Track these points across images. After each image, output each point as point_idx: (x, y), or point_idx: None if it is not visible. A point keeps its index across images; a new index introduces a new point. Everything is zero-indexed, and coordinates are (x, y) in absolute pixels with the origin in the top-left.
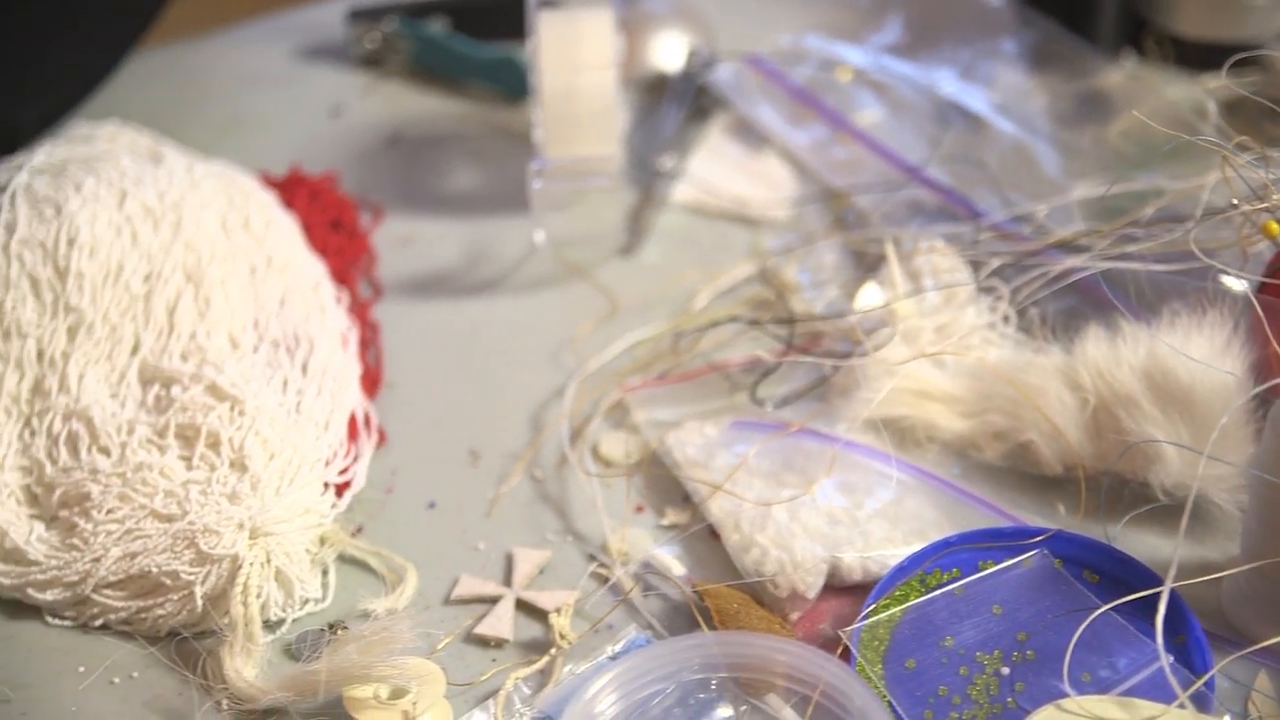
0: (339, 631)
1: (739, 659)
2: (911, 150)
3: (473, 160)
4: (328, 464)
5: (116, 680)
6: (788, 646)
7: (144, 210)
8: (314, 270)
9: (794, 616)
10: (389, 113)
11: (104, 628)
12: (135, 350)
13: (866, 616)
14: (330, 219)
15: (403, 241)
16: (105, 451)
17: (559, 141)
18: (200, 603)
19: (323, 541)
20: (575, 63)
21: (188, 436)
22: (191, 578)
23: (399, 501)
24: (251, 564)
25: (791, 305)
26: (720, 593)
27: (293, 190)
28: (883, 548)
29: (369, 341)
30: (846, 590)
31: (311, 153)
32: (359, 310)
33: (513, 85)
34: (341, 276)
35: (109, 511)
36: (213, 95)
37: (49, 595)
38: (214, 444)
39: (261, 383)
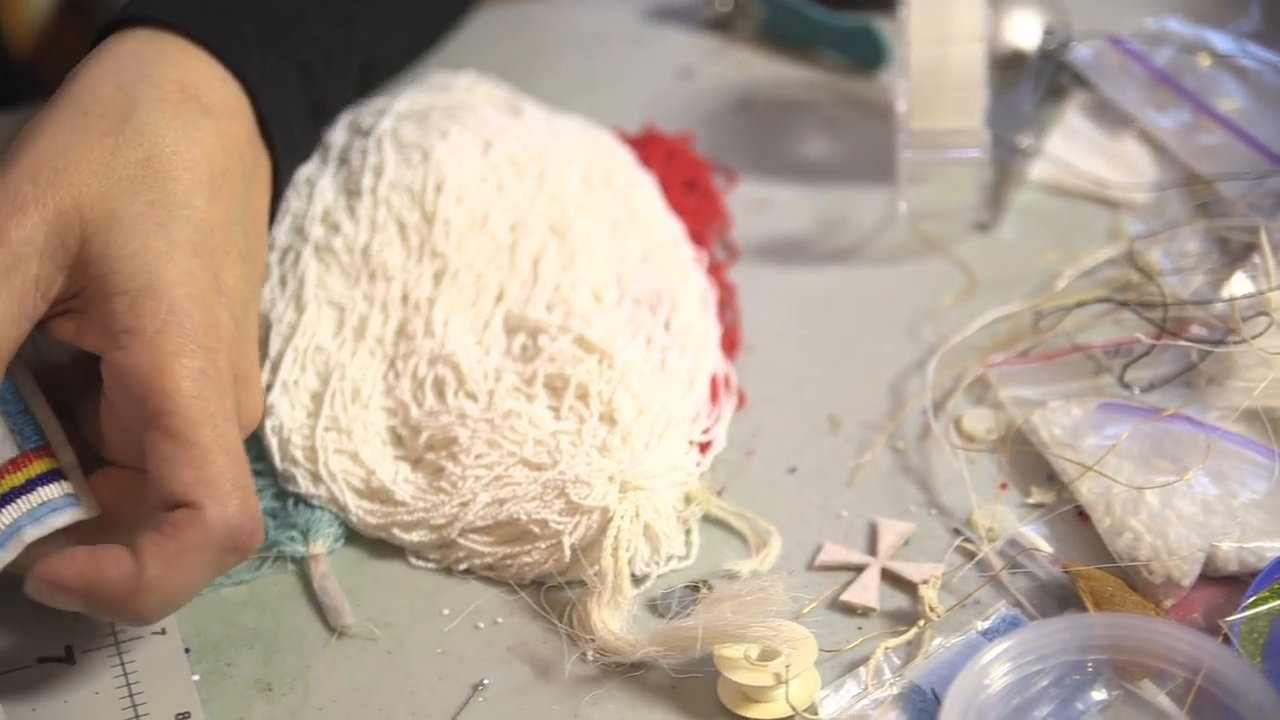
0: (705, 590)
1: (1123, 641)
2: (1277, 140)
3: (825, 128)
4: (692, 423)
5: (481, 625)
6: (1180, 632)
7: (509, 160)
8: (673, 229)
9: (1167, 604)
10: (739, 77)
11: (467, 572)
12: (500, 299)
13: (1247, 608)
14: (685, 179)
15: (756, 206)
16: (473, 397)
17: (923, 113)
18: (569, 552)
19: (688, 500)
20: (945, 35)
21: (556, 387)
22: (561, 527)
23: (759, 464)
24: (622, 517)
25: (1161, 289)
26: (1094, 575)
27: (649, 148)
28: (1260, 539)
29: (726, 303)
30: (1218, 581)
31: (661, 113)
32: (715, 272)
33: (866, 55)
34: (697, 238)
35: (477, 456)
36: (563, 52)
37: (415, 536)
38: (583, 396)
39: (627, 338)
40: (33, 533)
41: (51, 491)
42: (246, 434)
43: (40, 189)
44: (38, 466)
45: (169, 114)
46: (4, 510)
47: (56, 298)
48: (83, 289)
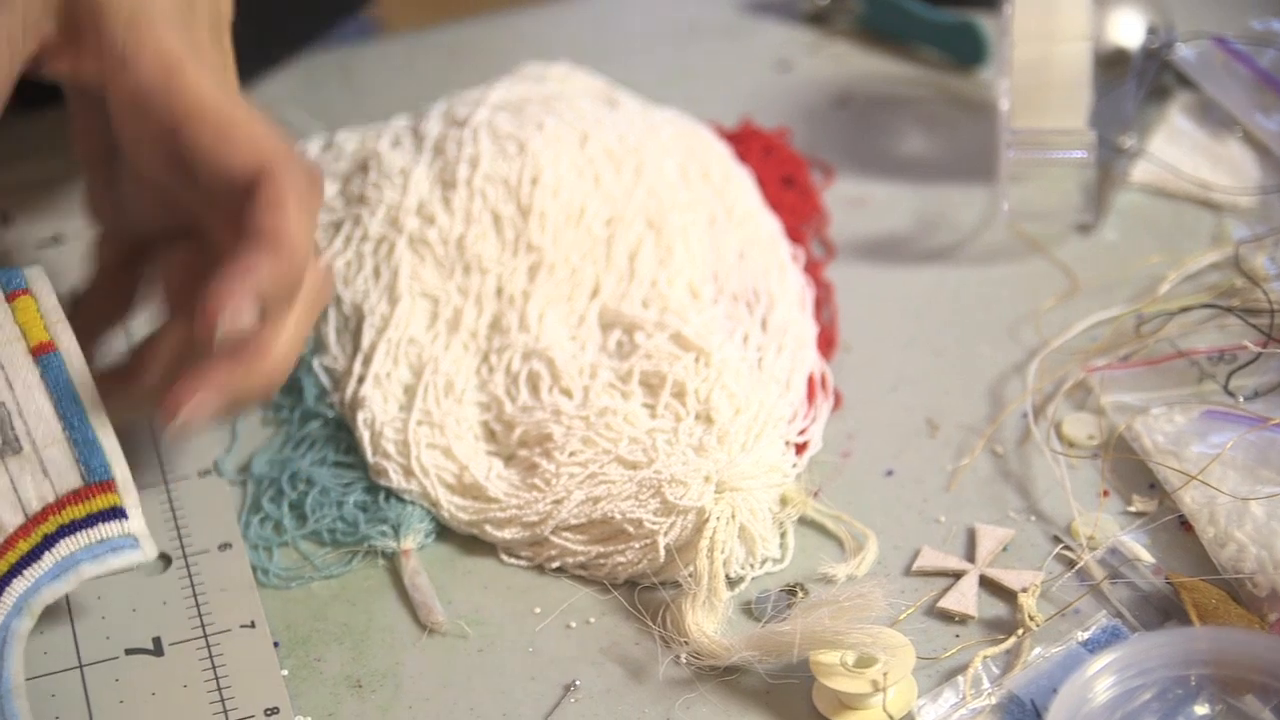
0: (800, 594)
1: (1226, 655)
2: None
3: (924, 125)
4: (789, 423)
5: (573, 624)
6: None
7: (605, 153)
8: (771, 225)
9: (1272, 618)
10: (837, 72)
11: (559, 570)
12: (595, 294)
13: None
14: (783, 175)
15: (854, 203)
16: (568, 393)
17: (1026, 112)
18: (663, 553)
19: (784, 502)
20: (1050, 32)
21: (652, 385)
22: (656, 527)
23: (856, 466)
24: (718, 518)
25: (1268, 295)
26: (1197, 586)
27: (746, 143)
28: None
29: (823, 302)
30: None
31: (758, 107)
32: (812, 270)
33: (967, 51)
34: (794, 234)
35: (572, 454)
36: (657, 44)
37: (507, 533)
38: (679, 394)
39: (723, 335)
40: (90, 570)
41: (112, 530)
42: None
43: None
44: (101, 501)
45: None
46: (63, 541)
47: (46, 37)
48: (73, 24)
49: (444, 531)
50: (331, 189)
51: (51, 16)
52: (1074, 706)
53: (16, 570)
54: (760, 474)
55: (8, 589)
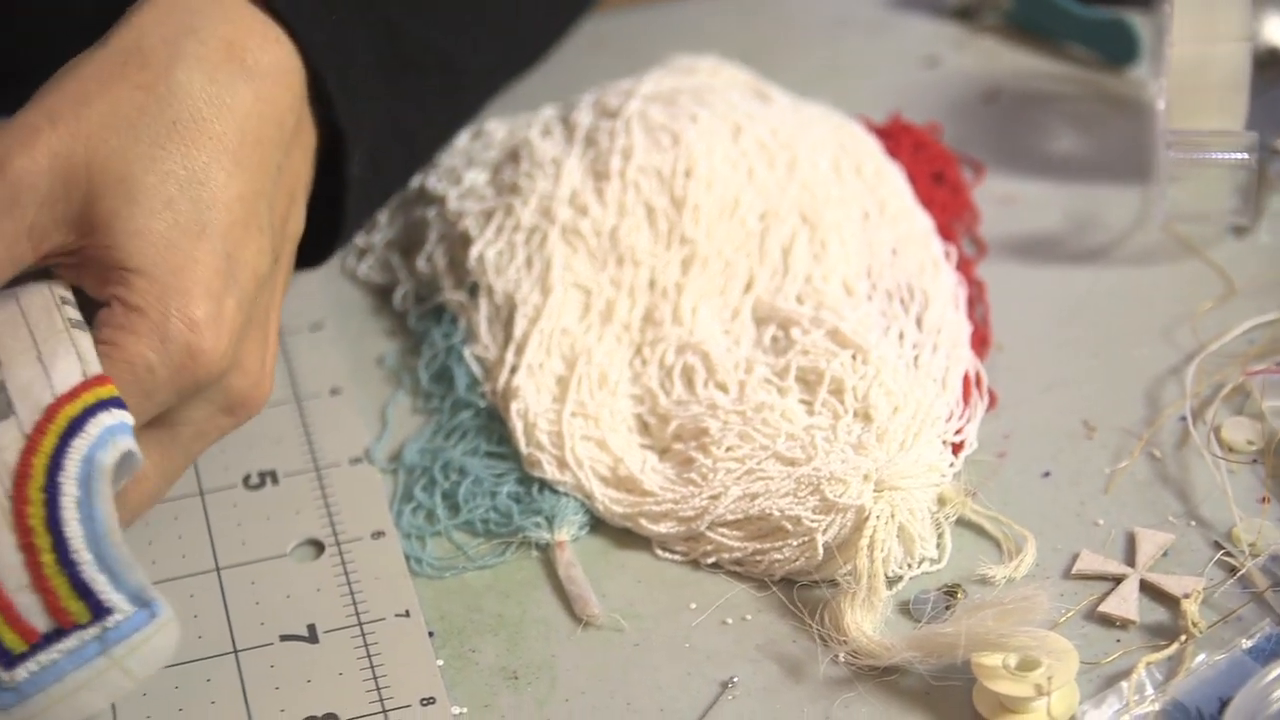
0: (959, 595)
1: None
2: None
3: (1075, 123)
4: (946, 422)
5: (729, 620)
6: None
7: (759, 146)
8: (923, 222)
9: None
10: (985, 68)
11: (714, 566)
12: (749, 288)
13: None
14: (933, 171)
15: (1003, 201)
16: (723, 388)
17: (1183, 113)
18: (822, 551)
19: (942, 502)
20: (1209, 33)
21: (809, 381)
22: (814, 524)
23: (1012, 467)
24: (879, 517)
25: None
26: None
27: (896, 139)
28: None
29: (975, 300)
30: None
31: (905, 103)
32: (964, 267)
33: (1119, 49)
34: (945, 232)
35: (729, 449)
36: (804, 38)
37: (662, 527)
38: (837, 391)
39: (879, 333)
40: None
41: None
42: (235, 422)
43: (57, 132)
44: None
45: (207, 75)
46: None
47: (51, 251)
48: (82, 249)
49: (597, 524)
50: (481, 177)
51: (59, 229)
52: (1250, 714)
53: (94, 410)
54: (919, 473)
55: (92, 420)
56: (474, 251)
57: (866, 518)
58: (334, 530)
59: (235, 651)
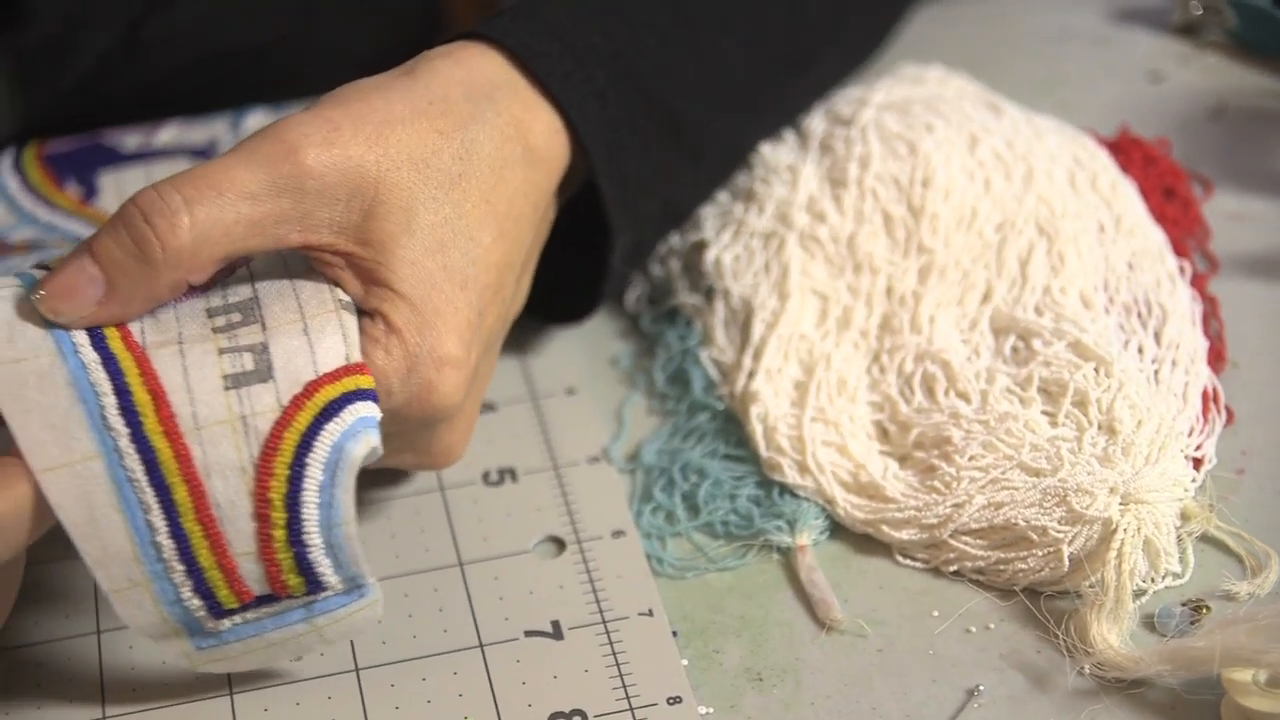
0: (1205, 611)
1: None
2: None
3: None
4: (1187, 438)
5: (972, 629)
6: None
7: (995, 157)
8: (1158, 237)
9: None
10: (1210, 84)
11: (955, 574)
12: (987, 298)
13: None
14: (1164, 187)
15: (1233, 218)
16: (965, 397)
17: None
18: (1067, 562)
19: (1185, 516)
20: None
21: (1051, 392)
22: (1060, 536)
23: (1251, 484)
24: (1125, 530)
25: None
26: None
27: (1126, 153)
28: None
29: (1209, 316)
30: None
31: (1130, 118)
32: (1197, 283)
33: None
34: (1177, 248)
35: (972, 458)
36: (1027, 49)
37: (904, 534)
38: (1080, 403)
39: (1119, 347)
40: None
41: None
42: (419, 468)
43: (359, 139)
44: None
45: (496, 144)
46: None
47: (317, 246)
48: (352, 255)
49: (836, 529)
50: None
51: (328, 230)
52: None
53: (351, 398)
54: (1165, 487)
55: (348, 407)
56: (710, 255)
57: (1114, 530)
58: (574, 528)
59: (481, 646)
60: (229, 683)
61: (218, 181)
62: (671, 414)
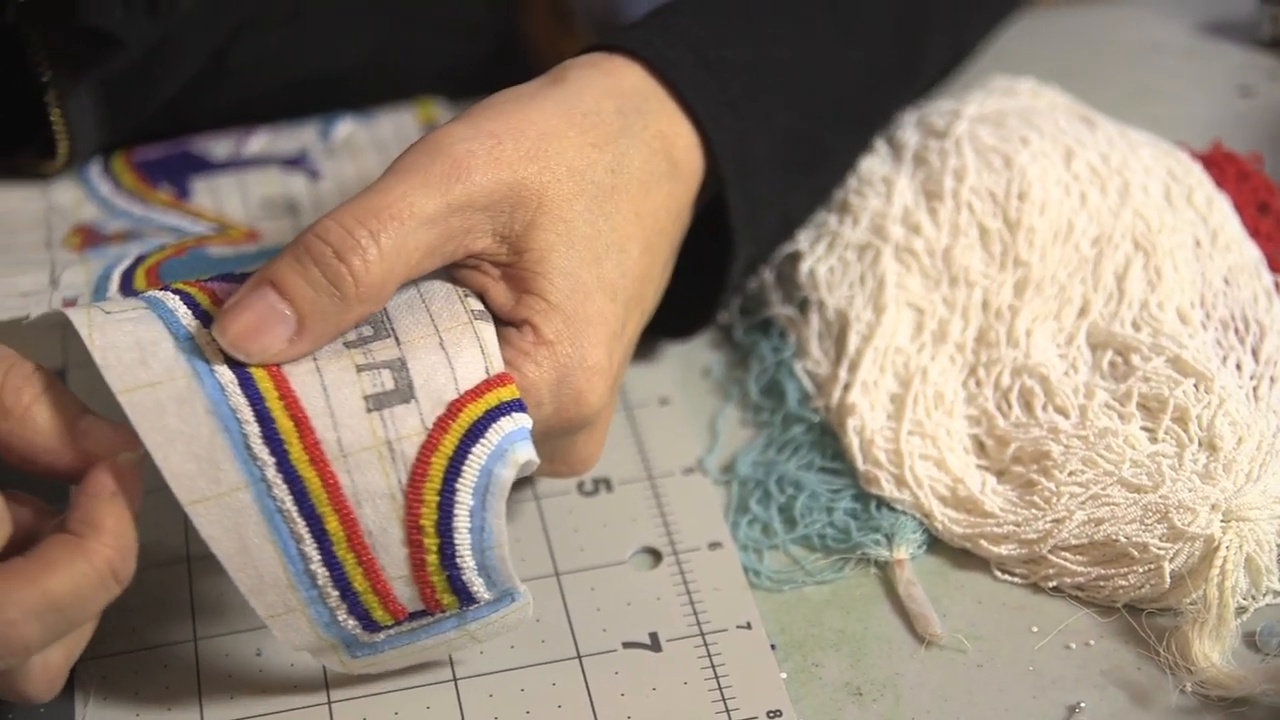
0: None
1: None
2: None
3: None
4: None
5: (1072, 645)
6: None
7: (1090, 171)
8: (1254, 252)
9: None
10: None
11: (1054, 589)
12: (1083, 313)
13: None
14: (1258, 202)
15: None
16: (1063, 412)
17: None
18: (1168, 579)
19: None
20: None
21: (1151, 408)
22: (1162, 552)
23: None
24: (1228, 547)
25: None
26: None
27: (1220, 168)
28: None
29: None
30: None
31: (1220, 132)
32: None
33: None
34: (1273, 263)
35: (1071, 473)
36: (1116, 62)
37: (1002, 549)
38: (1180, 419)
39: (1218, 363)
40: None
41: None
42: (556, 475)
43: (519, 154)
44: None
45: (644, 158)
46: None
47: (478, 253)
48: (508, 264)
49: (933, 543)
50: None
51: (490, 239)
52: None
53: (495, 415)
54: (1266, 505)
55: (493, 426)
56: (804, 267)
57: (1216, 547)
58: (670, 539)
59: (579, 656)
60: (327, 691)
61: (399, 211)
62: (766, 426)
